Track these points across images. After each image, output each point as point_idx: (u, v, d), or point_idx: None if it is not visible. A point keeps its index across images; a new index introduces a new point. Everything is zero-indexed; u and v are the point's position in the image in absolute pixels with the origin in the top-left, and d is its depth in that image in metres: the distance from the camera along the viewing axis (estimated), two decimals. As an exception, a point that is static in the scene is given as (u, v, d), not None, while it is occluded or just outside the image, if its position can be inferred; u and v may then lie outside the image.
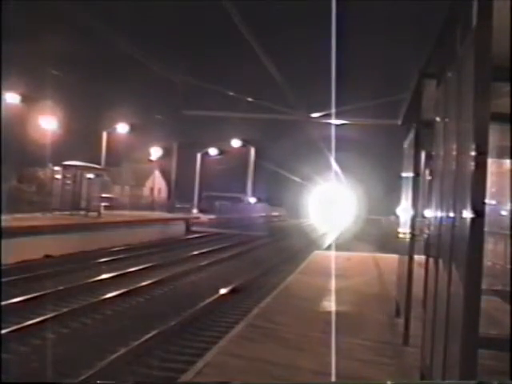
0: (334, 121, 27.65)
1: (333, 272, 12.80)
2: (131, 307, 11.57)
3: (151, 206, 44.00)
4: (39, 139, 30.49)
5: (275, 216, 55.67)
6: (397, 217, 9.87)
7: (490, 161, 3.12)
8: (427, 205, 5.45)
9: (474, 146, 3.01)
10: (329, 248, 23.41)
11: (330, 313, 8.62)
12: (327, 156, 35.31)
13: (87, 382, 6.56)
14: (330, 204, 52.79)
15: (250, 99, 27.89)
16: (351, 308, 9.40)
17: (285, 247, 26.41)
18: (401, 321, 7.37)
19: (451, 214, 3.70)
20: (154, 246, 22.86)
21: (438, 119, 4.72)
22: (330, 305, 9.49)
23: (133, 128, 37.11)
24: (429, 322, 4.55)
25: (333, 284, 11.44)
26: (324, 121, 27.89)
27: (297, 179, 51.94)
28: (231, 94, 27.62)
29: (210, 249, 22.95)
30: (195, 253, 21.33)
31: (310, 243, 28.61)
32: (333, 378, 5.39)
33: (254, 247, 26.09)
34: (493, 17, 3.00)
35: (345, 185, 48.52)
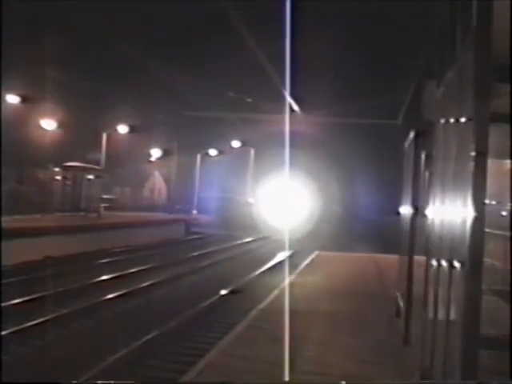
0: (330, 120, 27.80)
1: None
2: (130, 308, 11.59)
3: (151, 207, 43.93)
4: (39, 140, 30.45)
5: None
6: (399, 214, 9.75)
7: (489, 161, 3.11)
8: (427, 204, 5.45)
9: (473, 147, 3.01)
10: None
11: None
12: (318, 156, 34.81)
13: (87, 382, 6.55)
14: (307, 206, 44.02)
15: (249, 99, 27.93)
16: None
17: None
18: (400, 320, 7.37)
19: (451, 214, 3.70)
20: (153, 248, 22.82)
21: (437, 119, 4.71)
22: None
23: (133, 129, 37.04)
24: (429, 322, 4.54)
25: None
26: (321, 120, 27.99)
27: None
28: (231, 94, 27.66)
29: (208, 250, 22.95)
30: (195, 254, 21.34)
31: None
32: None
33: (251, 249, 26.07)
34: (493, 17, 3.00)
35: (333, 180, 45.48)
